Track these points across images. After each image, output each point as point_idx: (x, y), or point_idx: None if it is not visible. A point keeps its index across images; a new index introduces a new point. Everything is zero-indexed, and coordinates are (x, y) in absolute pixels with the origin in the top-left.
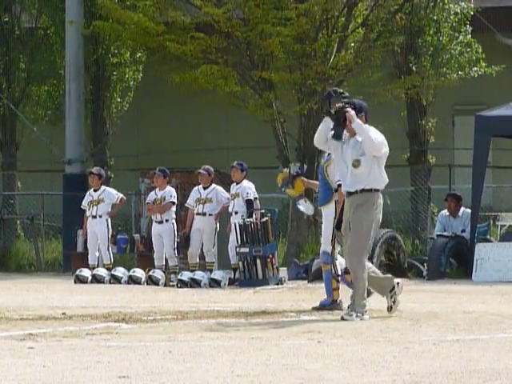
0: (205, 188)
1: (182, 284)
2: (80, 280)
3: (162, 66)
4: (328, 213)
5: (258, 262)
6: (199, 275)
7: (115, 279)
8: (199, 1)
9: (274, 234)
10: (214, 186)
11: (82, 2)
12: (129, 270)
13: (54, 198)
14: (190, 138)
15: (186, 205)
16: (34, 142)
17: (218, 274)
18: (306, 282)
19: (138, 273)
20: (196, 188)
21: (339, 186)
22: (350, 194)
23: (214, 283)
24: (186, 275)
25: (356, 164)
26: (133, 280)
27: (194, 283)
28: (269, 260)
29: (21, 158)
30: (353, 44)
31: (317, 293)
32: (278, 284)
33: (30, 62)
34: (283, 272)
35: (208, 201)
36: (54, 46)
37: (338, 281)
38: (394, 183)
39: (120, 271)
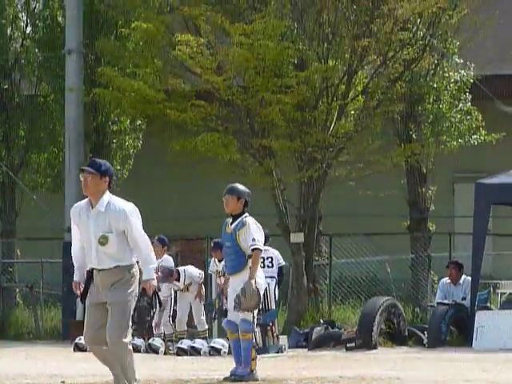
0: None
1: (182, 352)
2: (79, 348)
3: (162, 134)
4: (244, 279)
5: (258, 329)
6: (199, 343)
7: None
8: (199, 68)
9: (275, 301)
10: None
11: (81, 69)
12: None
13: (53, 266)
14: (190, 205)
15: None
16: (33, 209)
17: (217, 342)
18: (307, 350)
19: (138, 341)
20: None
21: (254, 249)
22: (100, 269)
23: (214, 351)
24: (185, 343)
25: (103, 241)
26: (132, 348)
27: (194, 351)
28: (269, 328)
29: (20, 226)
30: (353, 112)
31: (317, 360)
32: (278, 352)
33: (29, 130)
34: (283, 340)
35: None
36: (53, 114)
37: (256, 350)
38: (394, 251)
39: None
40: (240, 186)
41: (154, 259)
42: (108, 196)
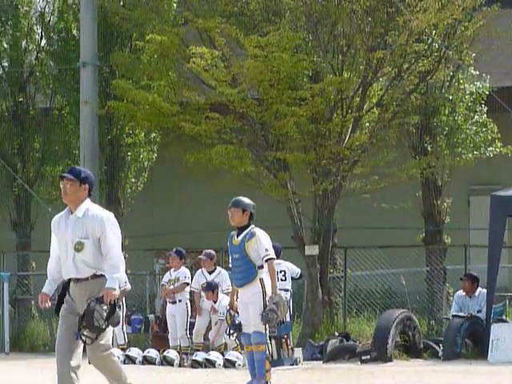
0: (210, 272)
1: (197, 364)
2: None
3: (177, 147)
4: (254, 291)
5: (273, 342)
6: (214, 356)
7: (130, 360)
8: (214, 81)
9: (289, 314)
10: (219, 269)
11: (96, 82)
12: (143, 350)
13: None
14: (205, 217)
15: (192, 288)
16: (48, 222)
17: (232, 355)
18: (321, 362)
19: (153, 353)
20: (200, 271)
21: (268, 260)
22: (78, 280)
23: (229, 364)
24: (200, 355)
25: (78, 247)
26: (147, 360)
27: (209, 363)
28: (283, 340)
29: (35, 238)
30: (368, 124)
31: (332, 373)
32: (293, 364)
33: (44, 143)
34: (298, 352)
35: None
36: (68, 127)
37: (270, 362)
38: (409, 263)
39: (134, 352)
40: (245, 199)
41: (121, 271)
42: (87, 203)
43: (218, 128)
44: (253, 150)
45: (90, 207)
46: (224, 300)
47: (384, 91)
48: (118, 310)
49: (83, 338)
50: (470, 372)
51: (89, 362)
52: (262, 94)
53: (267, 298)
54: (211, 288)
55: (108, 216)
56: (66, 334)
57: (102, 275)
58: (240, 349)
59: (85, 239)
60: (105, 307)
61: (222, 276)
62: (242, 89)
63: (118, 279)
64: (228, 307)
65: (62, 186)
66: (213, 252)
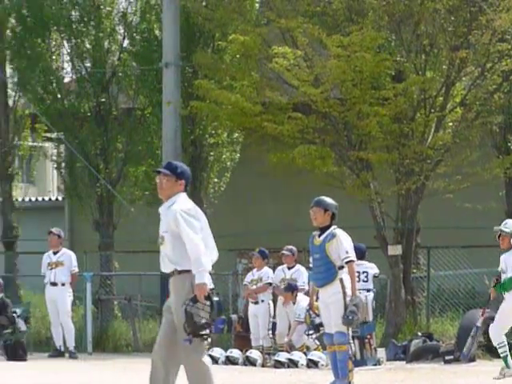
0: (289, 268)
1: (279, 364)
2: None
3: (259, 147)
4: (334, 291)
5: (356, 342)
6: (297, 356)
7: (212, 359)
8: (296, 81)
9: (372, 314)
10: (298, 266)
11: (179, 82)
12: (226, 350)
13: (151, 278)
14: (288, 217)
15: (273, 284)
16: (131, 222)
17: (315, 355)
18: (405, 362)
19: (235, 353)
20: (281, 267)
21: (348, 262)
22: (167, 275)
23: (312, 364)
24: (283, 356)
25: (160, 241)
26: (230, 360)
27: (292, 364)
28: (366, 340)
29: (118, 239)
30: (451, 123)
31: (415, 373)
32: (375, 365)
33: (127, 143)
34: (381, 352)
35: (293, 281)
36: (151, 127)
37: (353, 362)
38: (492, 263)
39: (217, 352)
40: (327, 199)
41: (203, 262)
42: (178, 197)
43: (300, 128)
44: (335, 149)
45: (177, 201)
46: (302, 301)
47: (467, 91)
48: (216, 298)
49: (201, 337)
50: None
51: None
52: (344, 94)
53: (347, 299)
54: (291, 289)
55: (181, 208)
56: (163, 337)
57: (185, 271)
58: (322, 349)
59: (165, 233)
60: (201, 305)
61: (299, 272)
62: (324, 89)
63: (204, 271)
64: (307, 307)
65: (157, 181)
66: (294, 248)
